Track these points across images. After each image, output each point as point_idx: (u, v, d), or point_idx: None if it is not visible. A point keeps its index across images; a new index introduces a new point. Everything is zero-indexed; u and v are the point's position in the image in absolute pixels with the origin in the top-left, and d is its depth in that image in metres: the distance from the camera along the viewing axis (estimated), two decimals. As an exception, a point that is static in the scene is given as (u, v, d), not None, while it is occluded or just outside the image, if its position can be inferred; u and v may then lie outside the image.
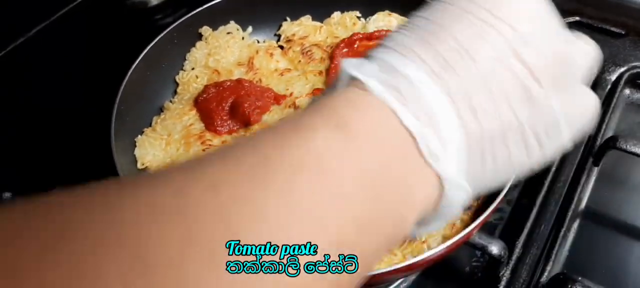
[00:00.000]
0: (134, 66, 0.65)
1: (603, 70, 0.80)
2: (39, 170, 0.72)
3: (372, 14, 0.78)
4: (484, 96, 0.33)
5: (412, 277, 0.61)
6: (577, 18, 0.88)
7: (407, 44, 0.34)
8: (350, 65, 0.33)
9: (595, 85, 0.78)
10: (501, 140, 0.34)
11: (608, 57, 0.81)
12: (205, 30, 0.75)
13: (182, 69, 0.74)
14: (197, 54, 0.74)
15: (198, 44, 0.75)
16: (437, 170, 0.31)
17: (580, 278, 0.55)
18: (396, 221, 0.31)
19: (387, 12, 0.78)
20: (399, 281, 0.60)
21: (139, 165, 0.63)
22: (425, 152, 0.31)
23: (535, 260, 0.61)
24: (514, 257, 0.60)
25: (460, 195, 0.33)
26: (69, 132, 0.77)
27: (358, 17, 0.78)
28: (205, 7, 0.75)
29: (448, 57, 0.33)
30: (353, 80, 0.32)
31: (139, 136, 0.66)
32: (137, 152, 0.64)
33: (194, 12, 0.74)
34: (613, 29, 0.86)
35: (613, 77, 0.79)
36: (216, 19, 0.76)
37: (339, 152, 0.28)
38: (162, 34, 0.70)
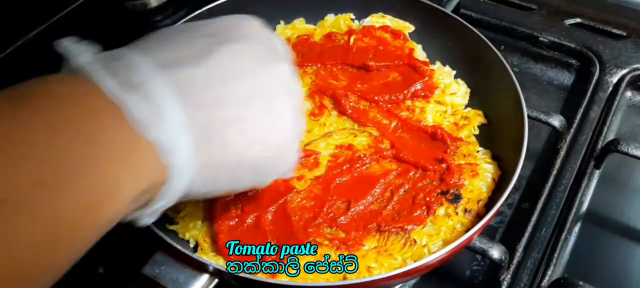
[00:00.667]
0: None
1: (604, 73, 0.79)
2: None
3: (366, 16, 0.78)
4: (214, 87, 0.36)
5: (413, 282, 0.61)
6: (578, 20, 0.88)
7: (140, 44, 0.38)
8: (63, 45, 0.35)
9: (597, 88, 0.77)
10: (228, 127, 0.37)
11: (609, 58, 0.81)
12: None
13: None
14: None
15: (195, 47, 0.75)
16: (150, 136, 0.32)
17: (581, 282, 0.55)
18: (91, 188, 0.30)
19: (380, 14, 0.78)
20: (399, 286, 0.60)
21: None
22: (131, 118, 0.31)
23: (536, 264, 0.61)
24: (515, 261, 0.60)
25: (184, 164, 0.34)
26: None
27: (352, 19, 0.78)
28: (204, 10, 0.74)
29: (178, 54, 0.36)
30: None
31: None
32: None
33: (192, 15, 0.74)
34: (614, 30, 0.86)
35: (614, 80, 0.79)
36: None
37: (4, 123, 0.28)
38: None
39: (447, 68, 0.72)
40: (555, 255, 0.61)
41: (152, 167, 0.33)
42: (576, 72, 0.83)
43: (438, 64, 0.72)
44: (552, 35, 0.84)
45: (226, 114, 0.37)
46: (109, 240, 0.34)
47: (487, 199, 0.59)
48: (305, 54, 0.74)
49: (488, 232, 0.64)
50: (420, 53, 0.73)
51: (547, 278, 0.59)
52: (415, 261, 0.52)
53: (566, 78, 0.83)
